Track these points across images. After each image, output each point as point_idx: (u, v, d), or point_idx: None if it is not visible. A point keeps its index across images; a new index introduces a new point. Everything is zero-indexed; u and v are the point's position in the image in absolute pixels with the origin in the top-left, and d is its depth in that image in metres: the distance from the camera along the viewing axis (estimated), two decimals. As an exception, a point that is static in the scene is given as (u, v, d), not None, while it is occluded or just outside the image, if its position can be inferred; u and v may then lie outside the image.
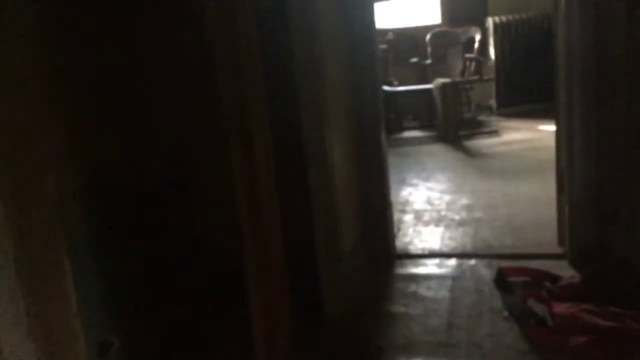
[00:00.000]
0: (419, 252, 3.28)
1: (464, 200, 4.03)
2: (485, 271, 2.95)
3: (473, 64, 6.43)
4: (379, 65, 3.34)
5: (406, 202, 4.10)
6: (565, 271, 2.85)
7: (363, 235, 3.12)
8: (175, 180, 1.60)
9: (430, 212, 3.89)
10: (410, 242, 3.41)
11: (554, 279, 2.76)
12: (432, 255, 3.21)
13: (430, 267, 3.08)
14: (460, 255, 3.17)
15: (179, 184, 1.60)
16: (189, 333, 1.62)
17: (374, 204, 3.23)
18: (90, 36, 1.40)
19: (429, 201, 4.09)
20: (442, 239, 3.42)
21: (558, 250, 3.05)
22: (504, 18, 6.38)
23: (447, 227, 3.59)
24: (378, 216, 3.23)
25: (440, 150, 5.49)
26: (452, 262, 3.11)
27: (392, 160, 5.21)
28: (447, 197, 4.13)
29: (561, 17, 2.84)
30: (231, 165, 1.62)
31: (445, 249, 3.28)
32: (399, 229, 3.60)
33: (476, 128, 6.03)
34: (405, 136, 6.16)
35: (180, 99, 1.55)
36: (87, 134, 1.40)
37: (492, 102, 6.55)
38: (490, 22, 6.44)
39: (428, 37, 6.66)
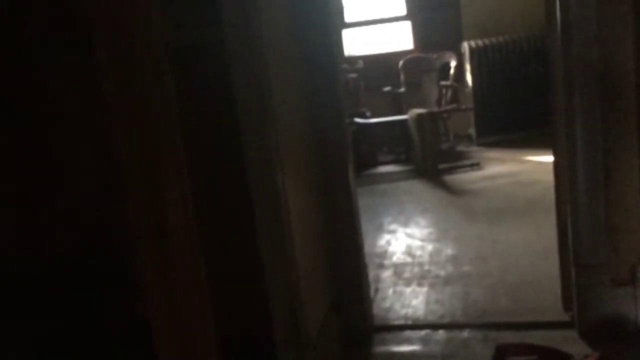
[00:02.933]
0: (401, 321, 2.79)
1: (449, 250, 3.56)
2: (481, 348, 2.47)
3: (449, 91, 6.04)
4: (344, 95, 2.87)
5: (384, 254, 3.63)
6: (576, 346, 2.38)
7: (334, 306, 2.63)
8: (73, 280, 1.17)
9: (412, 266, 3.41)
10: (390, 308, 2.93)
11: (565, 358, 2.29)
12: (416, 326, 2.73)
13: (415, 344, 2.59)
14: (450, 325, 2.69)
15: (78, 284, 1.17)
16: None
17: (345, 263, 2.74)
18: None
19: (410, 252, 3.62)
20: (427, 302, 2.94)
21: (564, 317, 2.59)
22: (480, 42, 6.00)
23: (431, 286, 3.12)
24: (351, 279, 2.74)
25: (419, 188, 5.04)
26: (441, 334, 2.63)
27: (368, 201, 4.76)
28: (429, 247, 3.66)
29: (557, 36, 2.41)
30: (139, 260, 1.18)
31: (431, 317, 2.79)
32: (376, 290, 3.12)
33: (456, 160, 5.60)
34: (381, 171, 5.71)
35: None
36: None
37: (472, 131, 6.14)
38: (465, 46, 6.06)
39: (400, 63, 6.26)
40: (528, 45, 5.83)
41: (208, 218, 1.94)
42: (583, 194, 2.46)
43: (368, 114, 6.02)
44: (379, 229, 4.06)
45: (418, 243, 3.75)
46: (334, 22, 2.63)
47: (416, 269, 3.36)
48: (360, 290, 2.72)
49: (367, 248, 3.66)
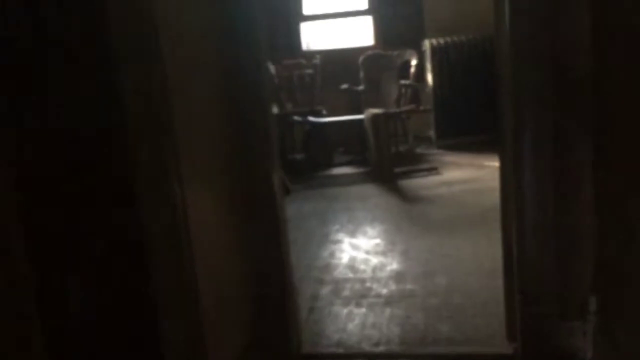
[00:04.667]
0: (332, 349, 2.53)
1: (394, 265, 3.31)
2: (415, 384, 2.22)
3: (409, 91, 5.78)
4: (271, 88, 2.55)
5: (326, 268, 3.36)
6: (519, 383, 2.15)
7: (254, 338, 2.35)
8: None
9: (353, 282, 3.15)
10: (322, 333, 2.66)
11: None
12: (347, 355, 2.47)
13: (343, 377, 2.33)
14: (384, 355, 2.44)
15: None
16: None
17: (269, 286, 2.44)
18: None
19: (353, 266, 3.35)
20: (364, 326, 2.68)
21: (508, 349, 2.35)
22: (441, 40, 5.76)
23: (370, 306, 2.86)
24: (276, 304, 2.45)
25: (372, 192, 4.78)
26: (373, 366, 2.37)
27: (316, 207, 4.50)
28: (374, 260, 3.40)
29: (505, 33, 2.17)
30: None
31: (365, 344, 2.53)
32: (311, 310, 2.85)
33: (414, 164, 5.36)
34: (335, 173, 5.45)
35: None
36: None
37: (431, 133, 5.90)
38: (427, 44, 5.81)
39: (360, 60, 5.98)
40: (491, 45, 5.58)
41: (83, 244, 1.65)
42: (530, 215, 2.21)
43: (324, 112, 5.75)
44: (324, 239, 3.80)
45: (363, 256, 3.49)
46: (259, 10, 2.33)
47: (357, 286, 3.10)
48: (285, 316, 2.44)
49: (308, 260, 3.43)
